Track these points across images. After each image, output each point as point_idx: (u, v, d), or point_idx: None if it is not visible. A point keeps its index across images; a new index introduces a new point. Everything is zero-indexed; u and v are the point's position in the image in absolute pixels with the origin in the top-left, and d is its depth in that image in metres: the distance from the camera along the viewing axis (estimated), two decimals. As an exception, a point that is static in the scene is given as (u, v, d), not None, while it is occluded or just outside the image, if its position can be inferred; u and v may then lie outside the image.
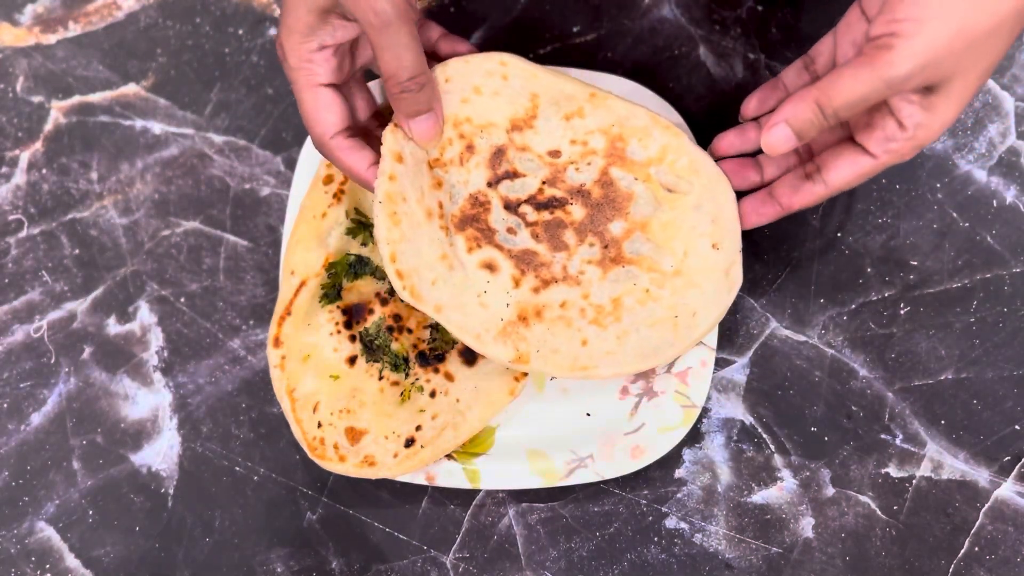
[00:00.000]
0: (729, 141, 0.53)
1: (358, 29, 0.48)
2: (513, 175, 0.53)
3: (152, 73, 0.65)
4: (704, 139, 0.57)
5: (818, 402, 0.57)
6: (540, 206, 0.53)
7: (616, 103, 0.53)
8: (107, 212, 0.63)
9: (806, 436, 0.57)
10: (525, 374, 0.54)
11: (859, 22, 0.49)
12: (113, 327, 0.61)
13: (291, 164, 0.62)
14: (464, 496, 0.57)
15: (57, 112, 0.64)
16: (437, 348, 0.55)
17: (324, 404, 0.54)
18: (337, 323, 0.55)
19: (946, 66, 0.42)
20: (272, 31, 0.65)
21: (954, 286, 0.58)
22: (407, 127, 0.50)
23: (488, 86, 0.52)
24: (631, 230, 0.53)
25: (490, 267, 0.52)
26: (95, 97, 0.65)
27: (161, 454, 0.59)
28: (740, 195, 0.52)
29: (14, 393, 0.60)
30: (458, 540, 0.56)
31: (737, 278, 0.52)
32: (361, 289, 0.56)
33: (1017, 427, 0.56)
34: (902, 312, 0.58)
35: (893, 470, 0.56)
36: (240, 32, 0.65)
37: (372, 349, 0.55)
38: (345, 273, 0.56)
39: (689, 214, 0.52)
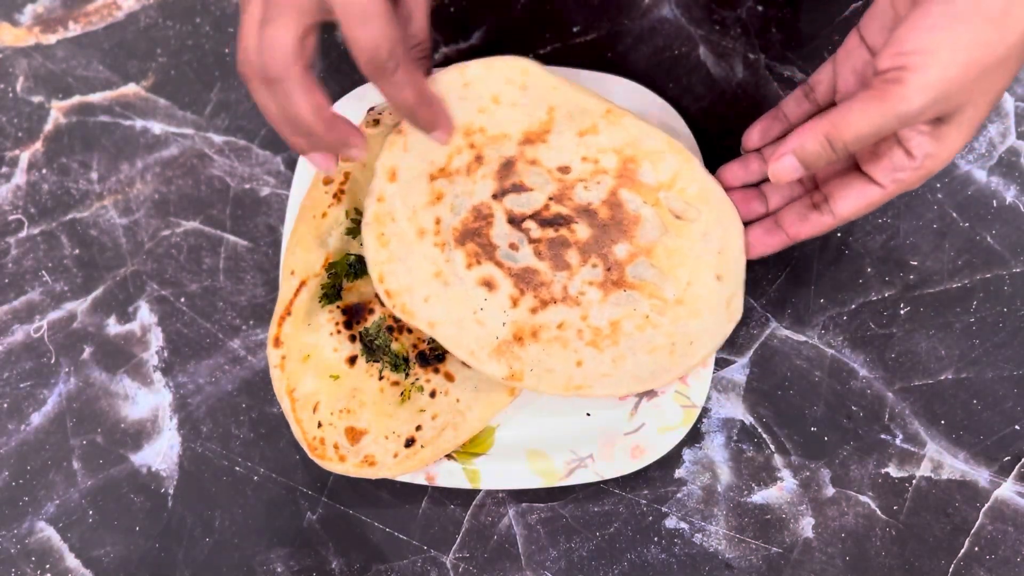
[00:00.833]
0: (733, 172, 0.53)
1: None
2: (520, 188, 0.52)
3: (152, 73, 0.65)
4: (704, 139, 0.57)
5: (818, 402, 0.57)
6: (545, 223, 0.52)
7: (631, 123, 0.52)
8: (107, 212, 0.63)
9: (806, 436, 0.57)
10: (525, 374, 0.54)
11: (858, 48, 0.48)
12: (113, 327, 0.61)
13: (291, 164, 0.62)
14: (464, 496, 0.57)
15: (57, 112, 0.64)
16: (437, 348, 0.55)
17: (324, 404, 0.54)
18: (337, 323, 0.55)
19: (958, 98, 0.41)
20: (272, 31, 0.65)
21: (954, 286, 0.58)
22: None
23: (507, 96, 0.51)
24: (636, 254, 0.52)
25: (489, 284, 0.52)
26: (95, 97, 0.65)
27: (161, 454, 0.59)
28: (745, 224, 0.52)
29: (14, 393, 0.60)
30: (458, 540, 0.56)
31: (738, 310, 0.52)
32: (361, 289, 0.56)
33: (1017, 427, 0.56)
34: (902, 312, 0.58)
35: (893, 470, 0.56)
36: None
37: (372, 349, 0.55)
38: (345, 273, 0.56)
39: (696, 242, 0.52)
